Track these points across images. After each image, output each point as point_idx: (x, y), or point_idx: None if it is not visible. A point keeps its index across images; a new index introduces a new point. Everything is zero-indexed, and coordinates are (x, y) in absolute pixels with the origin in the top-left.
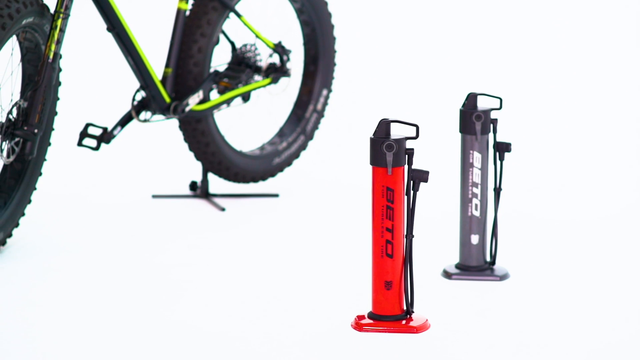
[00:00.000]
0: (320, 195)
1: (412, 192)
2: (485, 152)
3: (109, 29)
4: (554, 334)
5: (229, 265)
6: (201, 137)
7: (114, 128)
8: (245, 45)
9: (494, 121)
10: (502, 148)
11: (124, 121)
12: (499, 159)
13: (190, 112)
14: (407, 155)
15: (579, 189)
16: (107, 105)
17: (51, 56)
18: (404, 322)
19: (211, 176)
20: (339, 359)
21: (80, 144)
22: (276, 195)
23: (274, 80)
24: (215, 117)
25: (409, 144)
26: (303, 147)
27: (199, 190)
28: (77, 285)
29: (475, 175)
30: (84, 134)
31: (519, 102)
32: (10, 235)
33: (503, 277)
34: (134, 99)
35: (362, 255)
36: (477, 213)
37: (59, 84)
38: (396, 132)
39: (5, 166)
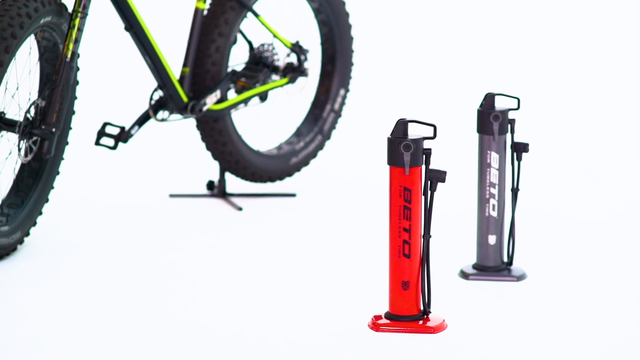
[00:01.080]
0: (337, 195)
1: (429, 192)
2: (503, 152)
3: (126, 28)
4: (571, 335)
5: (246, 265)
6: (218, 136)
7: (132, 127)
8: (262, 45)
9: (512, 121)
10: (520, 148)
11: (142, 120)
12: (517, 159)
13: (208, 112)
14: (424, 155)
15: (596, 188)
16: (125, 104)
17: (69, 55)
18: (421, 322)
19: (228, 176)
20: (356, 359)
21: (97, 143)
22: (293, 195)
23: (292, 80)
24: (233, 117)
25: (426, 144)
26: (320, 146)
27: (216, 190)
28: (92, 283)
29: (493, 176)
30: (101, 133)
31: (536, 102)
32: (27, 234)
33: (520, 278)
34: (151, 98)
35: (379, 255)
36: (494, 213)
37: (77, 83)
38: (414, 132)
39: (23, 165)
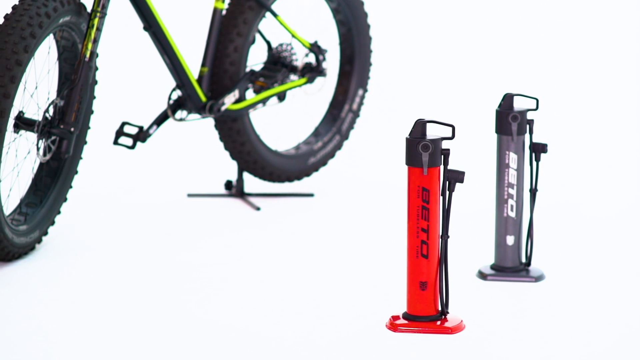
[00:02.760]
0: (355, 195)
1: (447, 192)
2: (521, 152)
3: (145, 28)
4: (590, 336)
5: (263, 265)
6: (237, 136)
7: (150, 127)
8: (281, 45)
9: (530, 122)
10: (538, 149)
11: (160, 120)
12: (535, 159)
13: (226, 112)
14: (442, 156)
15: (616, 189)
16: (143, 104)
17: (88, 55)
18: (438, 322)
19: (246, 175)
20: (374, 359)
21: (116, 142)
22: (311, 195)
23: (310, 80)
24: (251, 117)
25: (444, 144)
26: (338, 146)
27: (234, 190)
28: (109, 283)
29: (511, 176)
30: (120, 133)
31: (555, 103)
32: (46, 233)
33: (538, 279)
34: (170, 98)
35: (397, 256)
36: (512, 214)
37: (96, 82)
38: (432, 132)
39: (41, 164)
